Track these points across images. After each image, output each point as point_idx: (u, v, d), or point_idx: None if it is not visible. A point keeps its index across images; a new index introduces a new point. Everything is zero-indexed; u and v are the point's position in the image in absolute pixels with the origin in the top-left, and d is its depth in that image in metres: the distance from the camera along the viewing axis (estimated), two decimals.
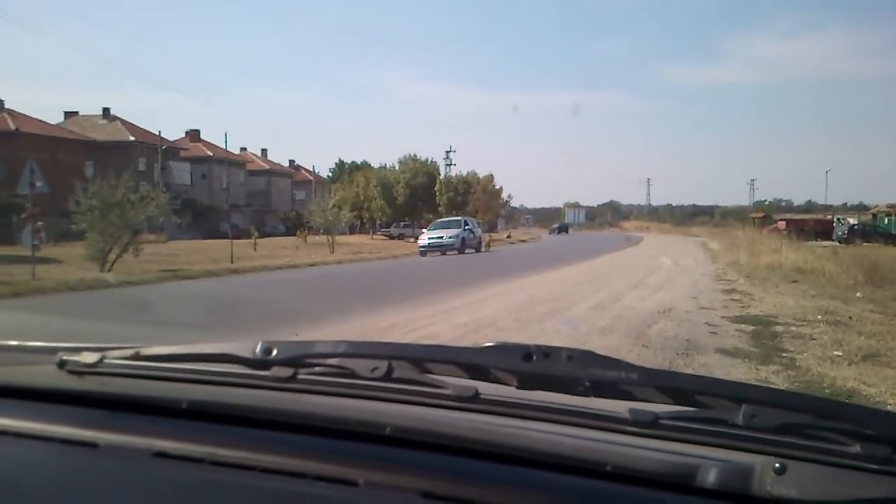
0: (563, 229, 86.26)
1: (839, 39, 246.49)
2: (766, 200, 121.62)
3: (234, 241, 29.73)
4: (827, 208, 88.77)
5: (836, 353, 7.90)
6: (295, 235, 49.81)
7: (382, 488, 1.00)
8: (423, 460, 1.05)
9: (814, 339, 8.78)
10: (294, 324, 9.64)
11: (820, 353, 7.87)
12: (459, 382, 1.20)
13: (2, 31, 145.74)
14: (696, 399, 1.16)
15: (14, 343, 1.57)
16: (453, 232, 35.99)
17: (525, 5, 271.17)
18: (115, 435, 1.15)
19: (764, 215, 70.16)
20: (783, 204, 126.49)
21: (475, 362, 1.22)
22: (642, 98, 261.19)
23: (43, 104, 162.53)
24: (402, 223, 69.35)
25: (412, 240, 63.31)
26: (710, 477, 0.98)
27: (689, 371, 6.68)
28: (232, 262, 25.67)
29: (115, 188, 22.45)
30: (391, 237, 65.82)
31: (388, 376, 1.23)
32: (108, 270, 21.31)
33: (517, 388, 1.17)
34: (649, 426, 1.09)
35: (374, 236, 67.43)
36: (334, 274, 22.80)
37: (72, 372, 1.36)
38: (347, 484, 1.01)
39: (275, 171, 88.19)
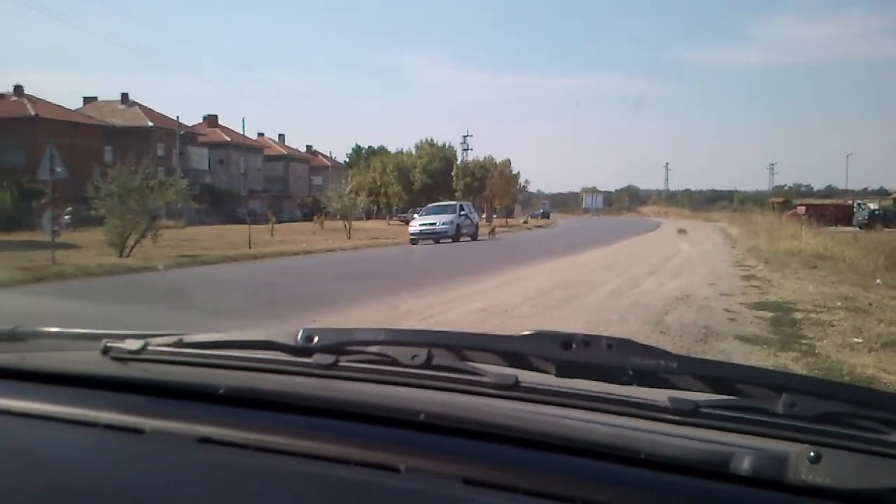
0: (545, 215, 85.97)
1: (861, 21, 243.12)
2: (785, 185, 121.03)
3: (252, 226, 29.84)
4: (847, 193, 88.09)
5: (855, 340, 7.85)
6: (312, 221, 49.91)
7: (423, 474, 1.01)
8: (464, 447, 1.06)
9: (833, 326, 8.73)
10: (312, 309, 9.69)
11: (839, 340, 7.82)
12: (499, 370, 1.21)
13: (21, 16, 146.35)
14: (735, 388, 1.17)
15: (57, 330, 1.58)
16: (447, 218, 33.46)
17: None
18: (160, 421, 1.16)
19: (783, 200, 69.70)
20: (803, 189, 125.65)
21: (514, 350, 1.24)
22: (661, 81, 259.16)
23: (62, 90, 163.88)
24: (418, 208, 69.26)
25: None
26: (745, 464, 0.97)
27: (709, 357, 6.66)
28: (250, 247, 25.76)
29: (134, 174, 22.56)
30: (407, 222, 65.70)
31: (428, 364, 1.24)
32: (127, 256, 21.46)
33: (556, 376, 1.18)
34: (690, 415, 1.09)
35: (391, 222, 67.40)
36: (351, 259, 22.87)
37: (115, 358, 1.37)
38: (389, 470, 1.02)
39: (292, 157, 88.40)
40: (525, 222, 71.42)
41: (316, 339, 1.31)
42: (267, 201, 71.03)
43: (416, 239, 31.91)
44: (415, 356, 1.25)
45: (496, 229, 40.52)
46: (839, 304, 10.55)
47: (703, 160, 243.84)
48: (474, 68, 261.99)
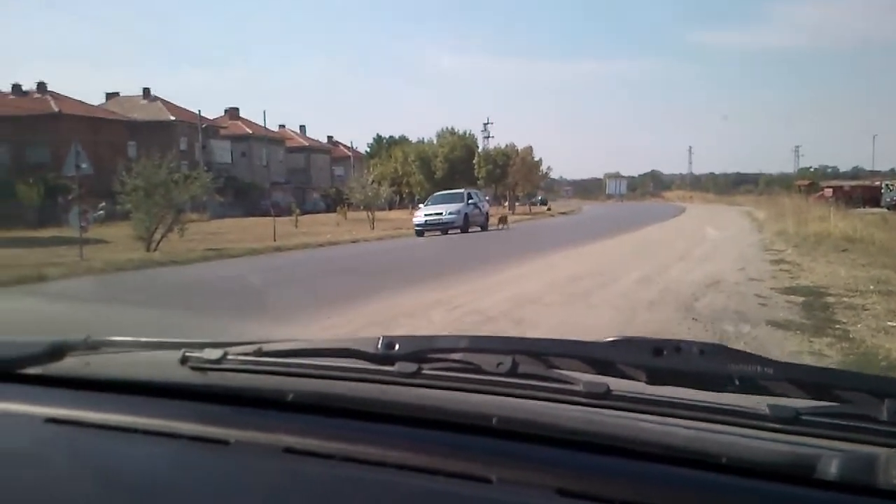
0: (544, 202, 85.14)
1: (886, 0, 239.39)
2: (811, 167, 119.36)
3: (276, 218, 29.95)
4: (874, 174, 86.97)
5: (890, 323, 7.74)
6: (335, 212, 50.08)
7: (517, 485, 0.98)
8: (557, 457, 1.03)
9: (867, 310, 8.60)
10: (340, 301, 9.71)
11: (874, 325, 7.71)
12: (588, 378, 1.18)
13: (43, 14, 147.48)
14: (835, 394, 1.13)
15: (131, 339, 1.57)
16: (454, 207, 31.51)
17: None
18: (245, 431, 1.14)
19: (810, 183, 68.86)
20: (829, 171, 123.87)
21: (602, 357, 1.21)
22: (684, 64, 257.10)
23: (85, 86, 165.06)
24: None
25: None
26: (832, 468, 0.94)
27: (741, 344, 6.60)
28: (274, 239, 25.89)
29: (159, 168, 22.71)
30: None
31: (513, 371, 1.21)
32: (154, 250, 21.64)
33: (647, 383, 1.15)
34: (791, 422, 1.05)
35: (413, 211, 67.56)
36: (375, 250, 22.92)
37: (195, 368, 1.35)
38: (481, 481, 0.99)
39: (313, 148, 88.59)
40: (548, 209, 71.20)
41: (397, 346, 1.29)
42: (290, 193, 71.28)
43: (422, 230, 30.54)
44: (500, 364, 1.22)
45: (508, 217, 38.13)
46: (871, 287, 10.40)
47: (728, 144, 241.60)
48: (493, 54, 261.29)
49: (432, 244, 25.67)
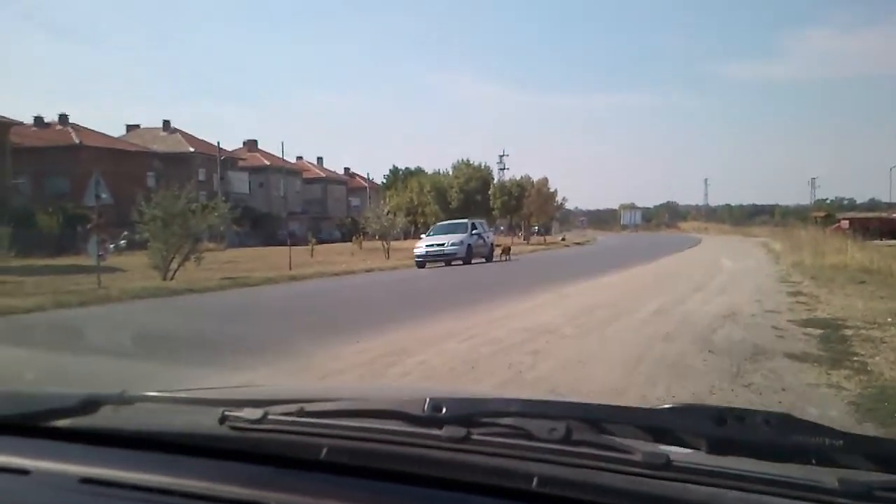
0: (542, 232, 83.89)
1: None
2: (827, 199, 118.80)
3: (292, 247, 30.05)
4: (891, 206, 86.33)
5: None
6: (351, 241, 50.21)
7: None
8: None
9: (885, 343, 8.50)
10: (355, 331, 9.71)
11: (893, 357, 7.61)
12: (646, 447, 1.12)
13: (65, 48, 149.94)
14: None
15: (168, 395, 1.53)
16: (457, 238, 30.33)
17: (578, 6, 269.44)
18: (286, 495, 1.11)
19: (826, 214, 68.45)
20: (845, 202, 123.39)
21: (660, 424, 1.17)
22: (698, 96, 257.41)
23: (105, 118, 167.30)
24: None
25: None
26: None
27: (758, 376, 6.56)
28: (290, 268, 25.96)
29: (177, 198, 22.90)
30: None
31: (567, 439, 1.15)
32: (171, 278, 21.75)
33: (707, 452, 1.10)
34: (863, 498, 1.00)
35: None
36: (390, 280, 22.94)
37: (234, 428, 1.30)
38: None
39: (330, 179, 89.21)
40: (563, 240, 71.13)
41: (444, 409, 1.24)
42: (306, 223, 71.65)
43: (423, 261, 29.33)
44: (552, 430, 1.16)
45: (511, 248, 36.02)
46: (890, 319, 10.29)
47: (743, 175, 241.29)
48: (508, 86, 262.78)
49: (439, 275, 25.63)
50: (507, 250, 34.48)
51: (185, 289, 18.34)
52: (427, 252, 29.66)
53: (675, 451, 1.11)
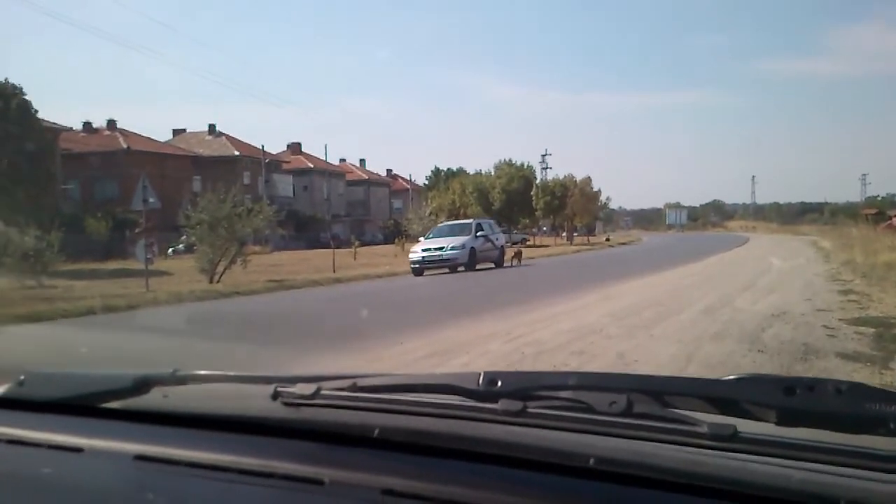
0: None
1: None
2: (878, 196, 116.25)
3: (336, 250, 30.25)
4: None
5: None
6: (393, 243, 50.48)
7: None
8: (672, 501, 0.96)
9: None
10: (397, 332, 9.73)
11: None
12: (712, 419, 1.08)
13: (114, 54, 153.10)
14: None
15: (219, 373, 1.52)
16: (459, 241, 26.47)
17: (618, 5, 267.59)
18: (340, 471, 1.09)
19: (877, 211, 67.04)
20: None
21: (726, 396, 1.12)
22: (745, 94, 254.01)
23: (152, 123, 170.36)
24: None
25: (508, 244, 63.45)
26: None
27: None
28: (334, 271, 26.15)
29: (223, 202, 23.19)
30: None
31: (629, 411, 1.11)
32: (217, 281, 22.03)
33: (776, 424, 1.06)
34: None
35: None
36: (431, 282, 22.93)
37: (287, 404, 1.30)
38: None
39: (373, 181, 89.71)
40: (607, 240, 70.64)
41: (500, 383, 1.21)
42: (349, 225, 72.21)
43: (420, 268, 25.84)
44: (612, 403, 1.12)
45: (522, 253, 33.01)
46: None
47: (792, 172, 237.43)
48: (551, 87, 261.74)
49: (490, 274, 25.52)
50: (517, 255, 31.34)
51: (232, 291, 18.59)
52: (424, 258, 26.07)
53: (743, 423, 1.07)
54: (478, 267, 26.85)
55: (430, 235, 28.73)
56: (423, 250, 26.32)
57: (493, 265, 28.47)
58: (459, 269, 25.97)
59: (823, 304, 11.94)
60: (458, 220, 36.17)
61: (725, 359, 7.30)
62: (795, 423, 1.06)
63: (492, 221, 33.12)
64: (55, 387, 1.49)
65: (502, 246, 30.42)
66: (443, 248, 26.03)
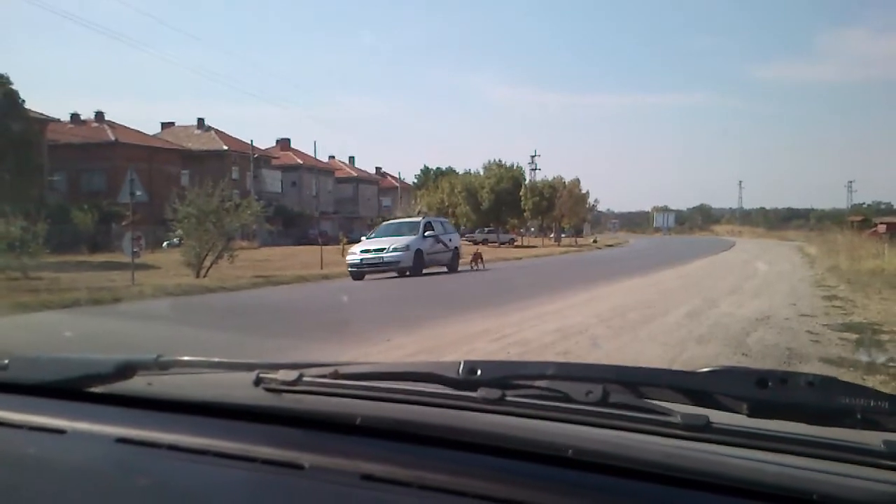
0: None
1: None
2: (864, 203, 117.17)
3: (324, 247, 30.21)
4: None
5: None
6: None
7: None
8: (657, 495, 0.97)
9: None
10: (385, 328, 9.72)
11: None
12: (685, 409, 1.10)
13: (102, 46, 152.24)
14: None
15: (202, 359, 1.54)
16: (403, 241, 23.49)
17: (610, 7, 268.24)
18: (320, 456, 1.11)
19: (863, 218, 67.55)
20: (883, 206, 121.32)
21: (699, 387, 1.15)
22: (734, 98, 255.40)
23: (141, 116, 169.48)
24: (486, 228, 69.68)
25: (496, 245, 63.84)
26: None
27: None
28: (322, 267, 26.13)
29: (211, 196, 23.12)
30: (475, 242, 66.14)
31: (604, 401, 1.14)
32: (204, 276, 22.00)
33: (748, 416, 1.08)
34: None
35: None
36: (418, 278, 22.90)
37: (269, 390, 1.32)
38: None
39: (362, 179, 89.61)
40: (594, 242, 70.83)
41: (479, 371, 1.23)
42: (338, 222, 72.02)
43: (359, 272, 22.79)
44: (589, 392, 1.15)
45: (483, 255, 29.47)
46: None
47: (779, 178, 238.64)
48: (540, 87, 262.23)
49: (477, 272, 25.45)
50: (477, 258, 28.25)
51: (218, 286, 18.55)
52: (363, 259, 23.08)
53: (716, 414, 1.09)
54: (432, 271, 24.53)
55: (373, 235, 25.64)
56: (362, 251, 23.42)
57: (445, 269, 25.64)
58: (406, 273, 23.19)
59: (808, 310, 12.02)
60: (409, 219, 32.92)
61: (709, 361, 7.30)
62: (767, 415, 1.08)
63: (444, 220, 30.59)
64: (39, 370, 1.50)
65: (456, 248, 27.04)
66: (384, 249, 23.09)
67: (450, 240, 26.54)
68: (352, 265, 23.18)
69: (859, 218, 69.18)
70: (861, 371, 7.05)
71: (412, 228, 25.09)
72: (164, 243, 25.92)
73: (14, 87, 36.07)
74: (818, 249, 34.36)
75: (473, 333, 9.45)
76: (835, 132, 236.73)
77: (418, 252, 23.63)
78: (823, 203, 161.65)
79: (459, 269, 26.35)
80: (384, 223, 28.38)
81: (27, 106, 37.60)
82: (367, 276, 22.67)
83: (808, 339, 8.94)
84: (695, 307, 12.32)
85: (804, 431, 1.04)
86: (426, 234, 24.74)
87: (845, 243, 30.27)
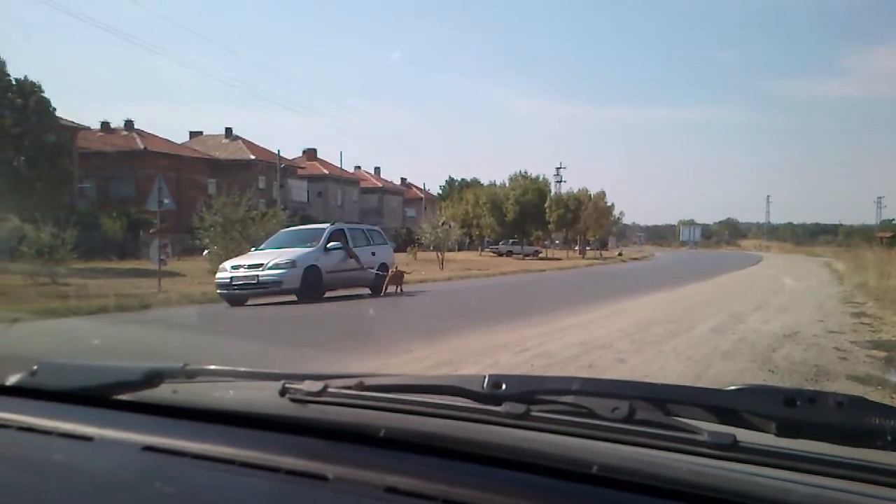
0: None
1: None
2: (893, 219, 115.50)
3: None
4: None
5: None
6: (406, 251, 50.52)
7: None
8: None
9: None
10: (408, 340, 9.72)
11: None
12: (712, 427, 1.09)
13: (134, 55, 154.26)
14: None
15: (229, 368, 1.54)
16: (287, 256, 17.42)
17: (636, 22, 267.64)
18: (344, 467, 1.11)
19: (892, 234, 66.67)
20: None
21: (726, 406, 1.14)
22: (761, 113, 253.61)
23: (170, 124, 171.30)
24: (510, 240, 69.58)
25: (520, 257, 63.68)
26: None
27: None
28: None
29: (237, 205, 23.27)
30: (499, 254, 66.12)
31: (630, 418, 1.13)
32: None
33: (776, 435, 1.07)
34: None
35: (483, 253, 67.66)
36: (443, 290, 22.92)
37: (294, 400, 1.33)
38: None
39: (387, 189, 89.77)
40: (619, 255, 70.47)
41: (504, 385, 1.23)
42: None
43: (230, 293, 16.66)
44: (615, 409, 1.14)
45: (404, 276, 20.57)
46: None
47: (807, 193, 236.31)
48: (566, 100, 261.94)
49: (501, 284, 25.35)
50: (397, 278, 19.92)
51: None
52: (232, 278, 16.81)
53: (743, 433, 1.07)
54: (345, 294, 18.89)
55: (265, 246, 19.20)
56: (232, 268, 17.10)
57: (369, 290, 19.57)
58: (288, 296, 17.16)
59: (836, 326, 11.89)
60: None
61: (735, 378, 7.26)
62: (795, 435, 1.06)
63: (370, 228, 23.00)
64: (67, 377, 1.51)
65: (384, 264, 20.50)
66: (262, 265, 16.96)
67: (372, 254, 20.24)
68: (221, 285, 16.92)
69: (888, 234, 68.32)
70: (889, 390, 6.95)
71: (313, 237, 19.01)
72: (205, 252, 25.92)
73: (45, 94, 36.58)
74: (846, 265, 33.97)
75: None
76: (863, 147, 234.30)
77: (312, 270, 17.54)
78: (852, 218, 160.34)
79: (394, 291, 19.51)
80: (283, 230, 21.96)
81: (58, 114, 38.06)
82: (249, 301, 16.89)
83: (835, 356, 8.83)
84: (721, 322, 12.22)
85: (833, 452, 1.03)
86: (329, 245, 18.64)
87: (874, 260, 29.88)
